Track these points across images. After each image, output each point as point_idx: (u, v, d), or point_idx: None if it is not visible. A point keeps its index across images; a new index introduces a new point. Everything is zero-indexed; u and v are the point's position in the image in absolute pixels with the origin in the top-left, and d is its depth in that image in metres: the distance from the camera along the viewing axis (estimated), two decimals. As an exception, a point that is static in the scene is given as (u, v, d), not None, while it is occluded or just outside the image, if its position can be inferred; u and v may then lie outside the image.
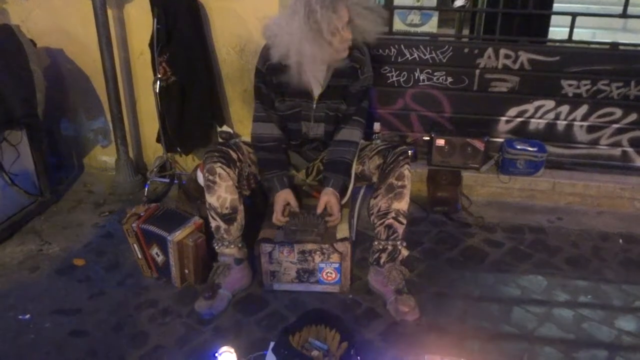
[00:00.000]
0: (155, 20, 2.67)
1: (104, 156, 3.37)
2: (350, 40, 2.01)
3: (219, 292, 2.15)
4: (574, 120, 3.02)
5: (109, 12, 2.83)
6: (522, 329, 2.04)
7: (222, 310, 2.13)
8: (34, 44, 2.68)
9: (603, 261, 2.48)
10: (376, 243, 2.22)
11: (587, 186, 2.96)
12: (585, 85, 2.93)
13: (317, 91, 2.15)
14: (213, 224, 2.18)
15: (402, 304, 2.08)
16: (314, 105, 2.17)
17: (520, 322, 2.07)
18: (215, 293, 2.14)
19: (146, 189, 2.98)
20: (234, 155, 2.14)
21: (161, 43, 2.70)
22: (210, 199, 2.13)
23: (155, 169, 3.03)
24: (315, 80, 2.14)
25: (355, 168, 2.23)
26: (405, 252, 2.23)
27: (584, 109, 2.98)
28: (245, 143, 2.29)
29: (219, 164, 2.08)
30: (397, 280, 2.15)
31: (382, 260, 2.20)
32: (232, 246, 2.20)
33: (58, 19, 3.03)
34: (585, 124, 3.02)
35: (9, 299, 2.22)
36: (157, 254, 2.26)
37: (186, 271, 2.24)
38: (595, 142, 3.05)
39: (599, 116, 2.99)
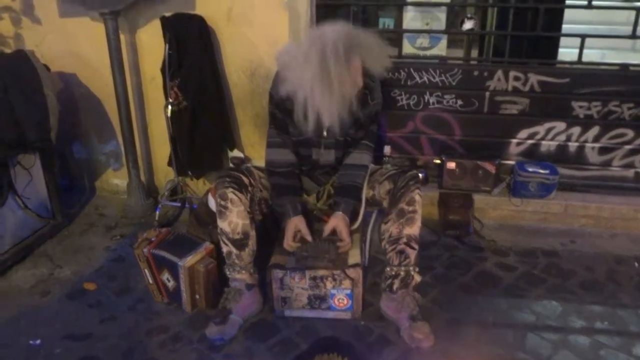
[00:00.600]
0: (167, 45, 2.71)
1: (116, 179, 3.40)
2: (362, 81, 2.04)
3: (230, 317, 2.14)
4: (585, 141, 3.01)
5: (122, 38, 2.88)
6: (537, 356, 2.01)
7: (233, 335, 2.12)
8: (48, 69, 2.72)
9: (618, 285, 2.44)
10: (388, 269, 2.20)
11: (600, 208, 2.94)
12: (596, 106, 2.93)
13: (327, 120, 2.15)
14: (225, 249, 2.18)
15: (417, 331, 2.05)
16: (325, 133, 2.18)
17: (535, 349, 2.04)
18: (226, 318, 2.13)
19: (157, 213, 2.98)
20: (246, 180, 2.15)
21: (173, 68, 2.74)
22: (222, 224, 2.13)
23: (166, 193, 3.04)
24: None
25: (366, 193, 2.23)
26: (417, 278, 2.21)
27: (595, 130, 2.98)
28: (256, 168, 2.30)
29: (230, 189, 2.09)
30: (411, 306, 2.13)
31: (394, 287, 2.18)
32: (244, 271, 2.20)
33: (71, 44, 3.08)
34: (597, 145, 3.00)
35: (20, 323, 2.22)
36: (168, 279, 2.25)
37: (197, 297, 2.24)
38: (607, 164, 3.04)
39: (611, 137, 2.98)
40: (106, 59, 2.86)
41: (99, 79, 3.10)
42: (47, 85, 2.61)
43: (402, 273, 2.16)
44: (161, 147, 3.18)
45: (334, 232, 2.16)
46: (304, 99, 1.98)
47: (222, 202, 2.10)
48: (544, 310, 2.26)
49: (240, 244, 2.15)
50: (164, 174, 3.25)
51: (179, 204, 3.08)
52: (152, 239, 2.29)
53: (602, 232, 2.92)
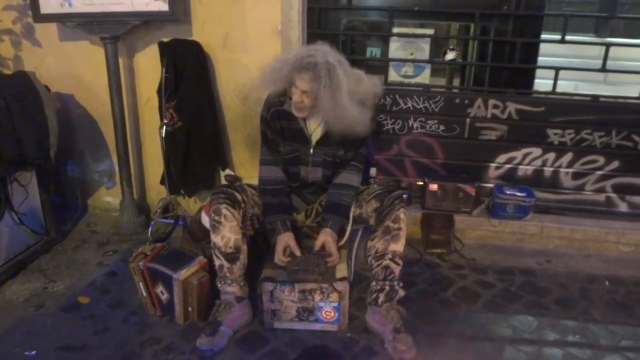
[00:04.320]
0: (164, 69, 2.81)
1: (108, 197, 3.46)
2: (299, 104, 2.15)
3: (220, 329, 2.21)
4: (559, 167, 3.16)
5: (120, 61, 2.98)
6: (514, 367, 2.12)
7: (223, 346, 2.18)
8: (48, 90, 2.80)
9: (590, 302, 2.57)
10: (374, 283, 2.29)
11: (574, 230, 3.08)
12: (569, 134, 3.09)
13: (315, 137, 2.29)
14: (217, 262, 2.26)
15: (400, 343, 2.13)
16: (312, 151, 2.30)
17: (511, 360, 2.15)
18: (216, 330, 2.19)
19: (150, 230, 3.04)
20: (239, 197, 2.25)
21: (169, 91, 2.83)
22: (215, 238, 2.22)
23: (159, 210, 3.11)
24: (313, 127, 2.28)
25: (353, 211, 2.33)
26: (401, 292, 2.31)
27: (569, 156, 3.13)
28: (249, 185, 2.40)
29: (224, 205, 2.19)
30: (395, 319, 2.22)
31: (380, 300, 2.27)
32: (234, 284, 2.28)
33: (70, 66, 3.17)
34: (570, 170, 3.16)
35: (16, 335, 2.26)
36: (162, 292, 2.32)
37: (189, 309, 2.31)
38: (580, 188, 3.18)
39: (583, 163, 3.13)
40: (103, 81, 2.97)
41: (95, 100, 3.20)
42: (47, 106, 2.69)
43: (387, 287, 2.26)
44: (154, 166, 3.27)
45: (323, 247, 2.26)
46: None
47: (216, 217, 2.20)
48: (520, 325, 2.37)
49: (232, 257, 2.24)
50: (156, 193, 3.33)
51: (171, 221, 3.15)
52: (148, 253, 2.36)
53: (576, 252, 3.06)
